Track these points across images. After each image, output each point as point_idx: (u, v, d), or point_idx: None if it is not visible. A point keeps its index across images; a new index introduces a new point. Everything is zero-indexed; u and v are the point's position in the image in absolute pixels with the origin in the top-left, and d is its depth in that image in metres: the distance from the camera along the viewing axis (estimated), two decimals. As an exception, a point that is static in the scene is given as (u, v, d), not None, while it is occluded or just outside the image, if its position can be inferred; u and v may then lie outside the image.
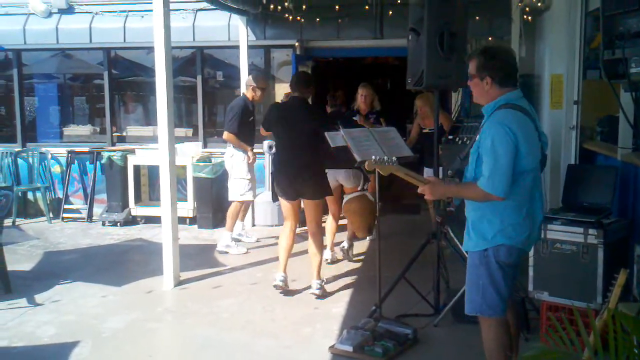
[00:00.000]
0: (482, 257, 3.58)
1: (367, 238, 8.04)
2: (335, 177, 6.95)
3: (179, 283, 6.42)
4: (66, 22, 10.10)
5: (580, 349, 2.78)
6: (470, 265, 3.70)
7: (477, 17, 8.47)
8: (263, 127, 6.27)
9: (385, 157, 3.63)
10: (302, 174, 5.87)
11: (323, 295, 5.94)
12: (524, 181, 3.49)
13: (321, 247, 6.03)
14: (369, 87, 7.83)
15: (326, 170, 6.24)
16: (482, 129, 3.56)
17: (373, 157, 3.61)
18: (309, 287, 6.13)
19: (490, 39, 8.96)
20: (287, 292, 6.01)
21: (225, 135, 7.59)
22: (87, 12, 10.04)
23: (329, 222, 7.09)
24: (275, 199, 6.24)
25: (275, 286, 5.98)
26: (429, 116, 7.22)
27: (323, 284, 6.03)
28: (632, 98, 3.21)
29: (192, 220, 9.10)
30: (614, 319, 2.73)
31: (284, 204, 6.07)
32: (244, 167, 7.61)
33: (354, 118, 7.43)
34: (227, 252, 7.60)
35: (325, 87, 13.01)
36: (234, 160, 7.70)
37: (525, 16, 8.22)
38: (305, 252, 6.21)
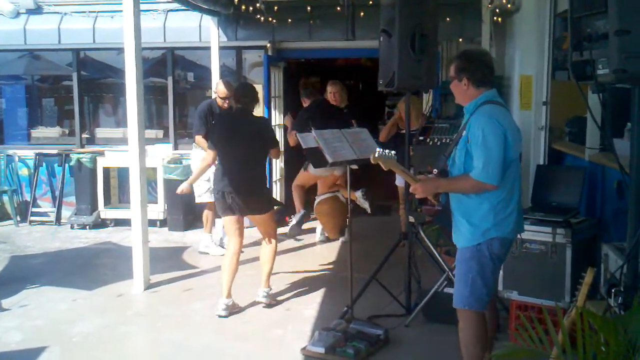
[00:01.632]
0: (475, 251, 3.69)
1: (339, 239, 8.04)
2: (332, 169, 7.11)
3: (149, 286, 6.36)
4: (34, 22, 9.93)
5: (549, 347, 2.80)
6: (460, 259, 3.79)
7: (448, 19, 8.51)
8: (209, 147, 5.79)
9: (387, 152, 3.68)
10: (251, 189, 5.61)
11: (270, 303, 5.76)
12: (510, 172, 3.65)
13: (274, 255, 5.80)
14: (338, 84, 7.86)
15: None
16: (468, 125, 3.69)
17: (377, 150, 3.65)
18: (281, 289, 6.13)
19: (460, 40, 9.03)
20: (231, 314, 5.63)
21: (195, 139, 7.54)
22: (55, 13, 9.87)
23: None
24: (222, 214, 5.75)
25: (217, 315, 5.55)
26: (411, 119, 7.20)
27: (270, 292, 5.82)
28: (599, 99, 3.24)
29: (163, 223, 9.02)
30: (582, 318, 2.77)
31: (231, 220, 5.63)
32: None
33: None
34: (207, 253, 7.59)
35: (297, 89, 13.03)
36: (194, 162, 7.71)
37: (495, 17, 8.29)
38: (279, 252, 6.18)
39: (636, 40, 2.70)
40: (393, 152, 3.66)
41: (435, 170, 3.95)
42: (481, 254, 3.66)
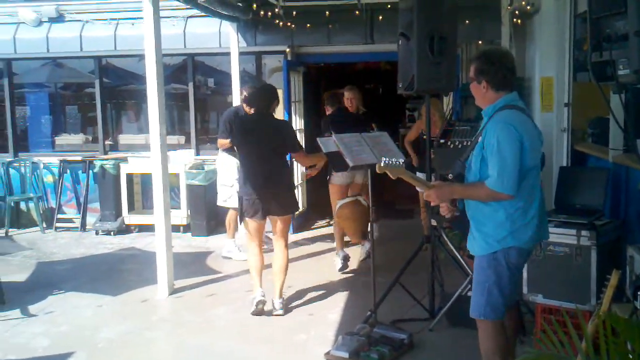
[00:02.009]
0: (491, 259, 3.60)
1: (362, 244, 8.02)
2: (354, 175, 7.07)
3: (173, 291, 6.41)
4: (56, 30, 10.07)
5: (572, 352, 2.78)
6: (478, 267, 3.72)
7: (467, 21, 8.48)
8: (226, 139, 5.94)
9: (394, 160, 3.60)
10: (270, 190, 5.64)
11: (285, 314, 5.73)
12: (529, 180, 3.54)
13: (287, 265, 5.78)
14: (355, 90, 7.77)
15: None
16: (484, 131, 3.60)
17: (383, 159, 3.58)
18: (304, 293, 6.15)
19: (480, 42, 9.00)
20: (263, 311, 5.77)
21: (218, 142, 7.61)
22: (77, 21, 10.00)
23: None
24: (241, 218, 5.89)
25: (257, 303, 5.73)
26: (434, 123, 7.20)
27: (285, 303, 5.81)
28: (620, 100, 3.22)
29: (186, 228, 9.07)
30: (604, 322, 2.74)
31: (251, 223, 5.75)
32: (227, 174, 7.62)
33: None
34: (230, 258, 7.64)
35: (318, 93, 13.07)
36: (219, 166, 7.81)
37: (514, 19, 8.25)
38: (298, 258, 6.19)
39: (657, 40, 2.68)
40: (401, 160, 3.58)
41: (450, 175, 3.90)
42: (498, 262, 3.57)
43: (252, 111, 7.08)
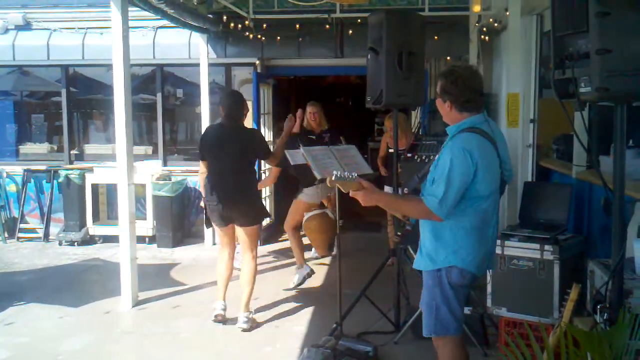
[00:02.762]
0: (436, 277, 3.56)
1: (329, 256, 8.03)
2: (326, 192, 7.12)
3: (137, 303, 6.33)
4: (23, 38, 9.94)
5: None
6: (425, 286, 3.67)
7: (436, 37, 8.60)
8: (200, 157, 5.84)
9: (346, 173, 3.50)
10: (233, 199, 5.60)
11: (251, 328, 5.65)
12: (480, 206, 3.47)
13: (254, 277, 5.73)
14: (318, 105, 7.69)
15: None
16: (442, 150, 3.54)
17: (334, 172, 3.48)
18: (270, 305, 6.12)
19: (448, 58, 9.11)
20: (225, 321, 5.77)
21: None
22: (44, 29, 9.89)
23: None
24: (208, 225, 5.97)
25: (215, 315, 5.74)
26: (399, 137, 7.23)
27: (251, 315, 5.75)
28: (582, 117, 3.27)
29: (152, 239, 8.98)
30: (566, 334, 2.78)
31: (218, 230, 5.86)
32: None
33: (310, 136, 7.41)
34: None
35: (287, 106, 13.07)
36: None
37: (482, 36, 8.38)
38: (266, 270, 6.17)
39: (617, 59, 2.74)
40: (354, 173, 3.48)
41: (406, 190, 3.87)
42: (441, 280, 3.52)
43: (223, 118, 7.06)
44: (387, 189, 7.18)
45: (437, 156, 3.60)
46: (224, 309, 5.79)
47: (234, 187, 5.61)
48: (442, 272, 3.52)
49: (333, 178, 3.42)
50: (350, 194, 3.53)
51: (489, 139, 3.49)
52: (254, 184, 5.93)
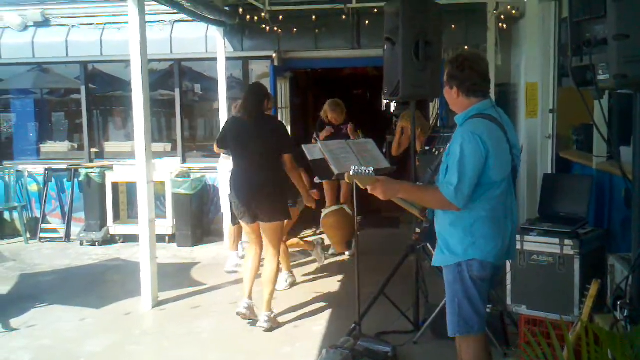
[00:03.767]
0: (456, 272, 3.51)
1: (346, 253, 7.99)
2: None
3: (157, 304, 6.35)
4: (42, 35, 9.95)
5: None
6: (446, 284, 3.63)
7: (453, 26, 8.48)
8: (217, 144, 5.89)
9: (363, 168, 3.53)
10: (258, 195, 5.51)
11: (272, 328, 5.58)
12: (494, 193, 3.43)
13: (276, 276, 5.69)
14: (339, 106, 7.98)
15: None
16: (452, 139, 3.52)
17: (352, 168, 3.51)
18: (287, 305, 6.13)
19: (466, 47, 8.97)
20: (253, 321, 5.71)
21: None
22: (63, 25, 9.89)
23: None
24: (234, 222, 6.00)
25: (238, 313, 5.69)
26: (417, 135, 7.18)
27: (272, 315, 5.65)
28: (600, 106, 3.17)
29: (171, 238, 8.98)
30: (587, 332, 2.71)
31: (244, 227, 5.79)
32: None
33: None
34: (236, 272, 7.37)
35: (305, 99, 13.03)
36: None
37: (500, 24, 8.24)
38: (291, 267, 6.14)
39: (635, 44, 2.65)
40: (371, 168, 3.49)
41: (419, 184, 3.83)
42: (462, 275, 3.48)
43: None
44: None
45: (448, 146, 3.57)
46: (248, 308, 5.70)
47: (258, 181, 5.54)
48: (463, 266, 3.48)
49: (351, 173, 3.46)
50: (369, 191, 3.53)
51: (498, 124, 3.46)
52: (279, 179, 5.72)
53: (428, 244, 5.38)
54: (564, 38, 6.61)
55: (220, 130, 7.30)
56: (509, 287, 4.92)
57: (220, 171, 7.79)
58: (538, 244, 4.83)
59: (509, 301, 4.91)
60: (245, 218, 5.63)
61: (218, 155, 7.65)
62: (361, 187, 3.55)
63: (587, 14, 2.94)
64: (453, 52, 9.38)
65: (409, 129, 7.33)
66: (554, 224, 4.98)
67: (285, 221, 5.85)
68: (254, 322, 5.71)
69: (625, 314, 3.16)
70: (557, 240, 4.77)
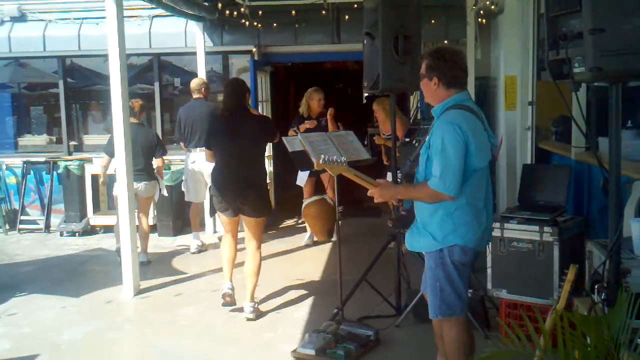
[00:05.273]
0: (438, 258, 3.60)
1: (328, 242, 8.05)
2: None
3: (139, 292, 6.34)
4: (19, 30, 9.91)
5: (530, 347, 2.80)
6: (428, 268, 3.72)
7: (433, 21, 8.56)
8: (206, 147, 5.82)
9: (335, 157, 3.65)
10: (244, 191, 5.53)
11: (256, 317, 5.60)
12: (474, 179, 3.52)
13: (259, 268, 5.69)
14: (321, 92, 8.00)
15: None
16: (431, 130, 3.60)
17: (322, 156, 3.61)
18: (271, 292, 6.16)
19: (445, 42, 9.07)
20: (233, 303, 5.80)
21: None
22: (40, 20, 9.85)
23: None
24: (212, 213, 6.02)
25: (223, 295, 5.78)
26: (384, 121, 7.30)
27: (257, 306, 5.67)
28: (577, 98, 3.26)
29: (153, 228, 8.95)
30: (562, 316, 2.79)
31: (224, 219, 5.77)
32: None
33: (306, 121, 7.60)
34: (201, 251, 7.91)
35: (286, 93, 13.06)
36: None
37: (480, 19, 8.33)
38: (265, 257, 6.16)
39: (611, 38, 2.73)
40: (343, 158, 3.61)
41: (400, 175, 3.91)
42: (443, 260, 3.57)
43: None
44: (389, 175, 7.18)
45: (426, 138, 3.65)
46: (232, 289, 5.80)
47: (243, 176, 5.55)
48: (445, 252, 3.57)
49: (320, 161, 3.60)
50: (369, 194, 3.68)
51: (476, 115, 3.56)
52: (263, 175, 5.83)
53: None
54: (542, 32, 6.77)
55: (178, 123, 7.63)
56: (489, 273, 5.00)
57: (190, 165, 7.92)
58: (518, 232, 4.89)
59: (489, 286, 4.99)
60: (227, 212, 5.65)
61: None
62: (332, 174, 3.76)
63: (563, 9, 3.01)
64: (432, 46, 9.50)
65: (379, 115, 7.40)
66: (533, 212, 5.06)
67: None
68: (236, 309, 5.74)
69: (602, 297, 3.22)
70: (536, 228, 4.84)
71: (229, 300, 5.80)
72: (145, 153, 7.38)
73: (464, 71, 3.65)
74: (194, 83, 8.04)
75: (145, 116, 10.30)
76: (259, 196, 5.65)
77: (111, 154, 6.89)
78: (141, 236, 7.25)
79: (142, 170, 7.31)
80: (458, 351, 3.68)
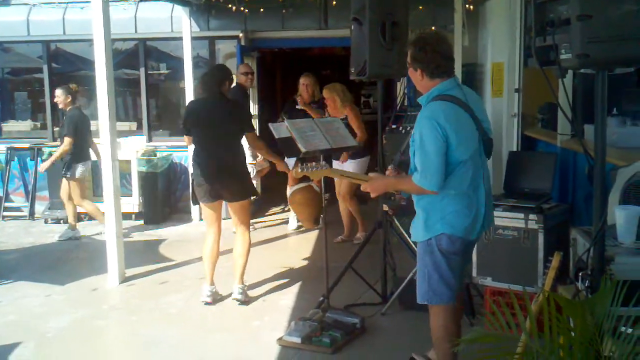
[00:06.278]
0: (426, 246, 3.64)
1: (314, 229, 8.05)
2: None
3: (124, 280, 6.32)
4: (2, 14, 9.81)
5: (517, 332, 2.82)
6: (418, 255, 3.76)
7: (421, 7, 8.53)
8: (184, 132, 5.77)
9: (314, 164, 3.75)
10: (223, 175, 5.51)
11: (246, 301, 5.61)
12: (460, 170, 3.52)
13: (247, 249, 5.66)
14: (311, 77, 7.92)
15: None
16: (416, 122, 3.59)
17: (300, 166, 3.69)
18: (257, 280, 6.16)
19: (433, 28, 9.03)
20: (215, 302, 5.69)
21: None
22: (24, 4, 9.74)
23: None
24: (195, 202, 5.89)
25: (203, 302, 5.64)
26: (334, 108, 7.18)
27: (245, 288, 5.68)
28: (563, 85, 3.25)
29: (138, 216, 8.94)
30: (549, 301, 2.79)
31: (205, 208, 5.68)
32: None
33: (297, 107, 7.54)
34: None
35: (272, 79, 13.00)
36: None
37: (467, 5, 8.31)
38: (255, 244, 6.15)
39: (598, 25, 2.72)
40: (323, 162, 3.75)
41: (391, 166, 3.93)
42: (431, 248, 3.60)
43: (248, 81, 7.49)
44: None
45: (413, 129, 3.67)
46: (212, 293, 5.68)
47: (222, 161, 5.53)
48: (432, 240, 3.59)
49: (299, 170, 3.73)
50: (362, 188, 3.78)
51: (460, 104, 3.53)
52: (242, 158, 5.77)
53: (395, 219, 5.46)
54: (529, 19, 6.76)
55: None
56: (474, 260, 5.00)
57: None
58: (503, 219, 4.89)
59: (474, 273, 4.99)
60: (206, 197, 5.59)
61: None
62: (314, 179, 4.06)
63: (551, -5, 3.01)
64: (415, 34, 9.47)
65: (329, 102, 7.28)
66: (518, 200, 5.06)
67: None
68: (221, 298, 5.74)
69: (586, 284, 3.24)
70: (521, 215, 4.84)
71: (210, 303, 5.67)
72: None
73: (448, 59, 3.61)
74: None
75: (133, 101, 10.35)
76: (237, 180, 5.61)
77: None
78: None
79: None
80: (443, 339, 3.69)
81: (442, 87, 3.58)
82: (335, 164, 7.00)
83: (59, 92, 7.95)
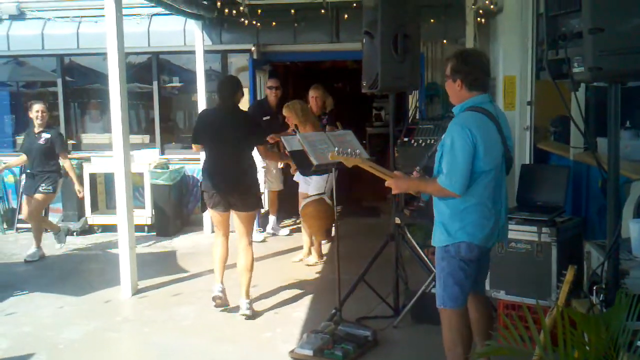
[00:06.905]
0: (444, 252, 3.76)
1: (326, 242, 8.03)
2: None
3: (137, 291, 6.34)
4: (17, 28, 9.91)
5: (531, 346, 2.81)
6: (436, 260, 3.87)
7: (432, 20, 8.56)
8: (192, 141, 5.87)
9: (349, 150, 3.83)
10: (234, 186, 5.59)
11: (253, 315, 5.60)
12: (483, 181, 3.65)
13: (252, 263, 5.71)
14: (320, 89, 7.92)
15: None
16: (447, 129, 3.74)
17: (336, 148, 3.76)
18: (269, 292, 6.14)
19: (445, 41, 9.07)
20: (225, 305, 5.79)
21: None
22: (39, 18, 9.84)
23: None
24: (203, 209, 5.98)
25: (213, 298, 5.74)
26: (301, 124, 7.01)
27: (252, 303, 5.69)
28: (576, 98, 3.25)
29: (151, 228, 8.96)
30: (563, 316, 2.78)
31: (215, 215, 5.77)
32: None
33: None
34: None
35: (284, 92, 13.01)
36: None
37: (479, 18, 8.33)
38: (262, 257, 6.16)
39: (610, 38, 2.73)
40: (357, 150, 3.77)
41: (418, 168, 4.03)
42: (449, 255, 3.73)
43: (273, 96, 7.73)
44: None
45: (442, 136, 3.81)
46: (222, 291, 5.78)
47: (233, 171, 5.59)
48: (451, 248, 3.72)
49: (335, 153, 3.85)
50: (386, 184, 3.93)
51: (491, 118, 3.70)
52: (253, 169, 5.86)
53: (407, 232, 5.46)
54: (541, 32, 6.76)
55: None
56: (488, 273, 4.98)
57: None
58: (516, 232, 4.88)
59: (488, 287, 4.97)
60: (218, 207, 5.66)
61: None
62: (347, 165, 3.95)
63: (563, 8, 3.02)
64: (433, 47, 9.50)
65: (290, 120, 7.21)
66: (531, 213, 5.05)
67: None
68: (232, 309, 5.74)
69: (601, 298, 3.22)
70: (534, 228, 4.84)
71: (220, 302, 5.77)
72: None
73: (486, 74, 3.82)
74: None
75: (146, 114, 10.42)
76: (249, 190, 5.70)
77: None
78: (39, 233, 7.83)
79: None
80: (455, 341, 3.81)
81: (476, 100, 3.73)
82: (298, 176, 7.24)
83: (43, 107, 7.88)
